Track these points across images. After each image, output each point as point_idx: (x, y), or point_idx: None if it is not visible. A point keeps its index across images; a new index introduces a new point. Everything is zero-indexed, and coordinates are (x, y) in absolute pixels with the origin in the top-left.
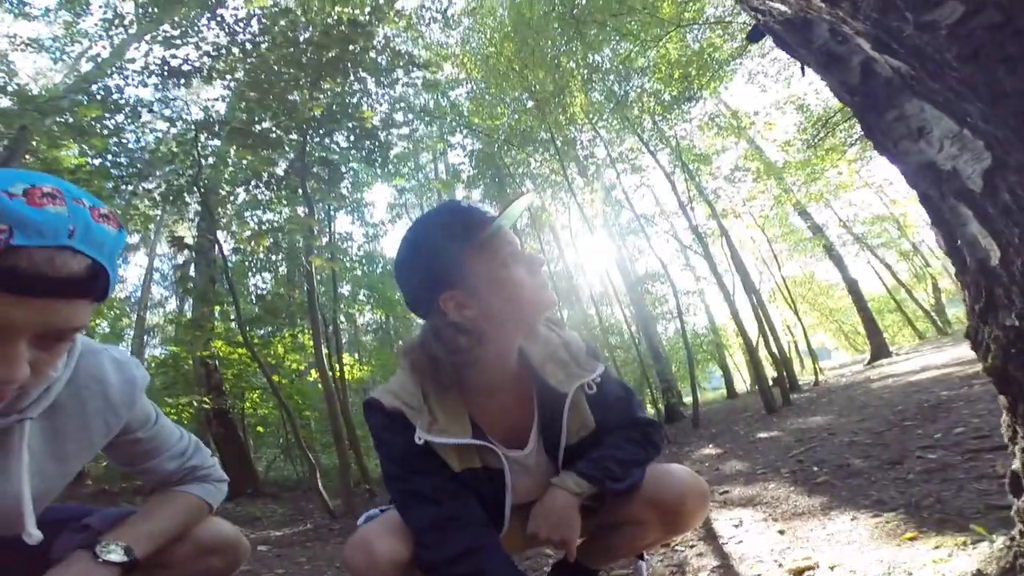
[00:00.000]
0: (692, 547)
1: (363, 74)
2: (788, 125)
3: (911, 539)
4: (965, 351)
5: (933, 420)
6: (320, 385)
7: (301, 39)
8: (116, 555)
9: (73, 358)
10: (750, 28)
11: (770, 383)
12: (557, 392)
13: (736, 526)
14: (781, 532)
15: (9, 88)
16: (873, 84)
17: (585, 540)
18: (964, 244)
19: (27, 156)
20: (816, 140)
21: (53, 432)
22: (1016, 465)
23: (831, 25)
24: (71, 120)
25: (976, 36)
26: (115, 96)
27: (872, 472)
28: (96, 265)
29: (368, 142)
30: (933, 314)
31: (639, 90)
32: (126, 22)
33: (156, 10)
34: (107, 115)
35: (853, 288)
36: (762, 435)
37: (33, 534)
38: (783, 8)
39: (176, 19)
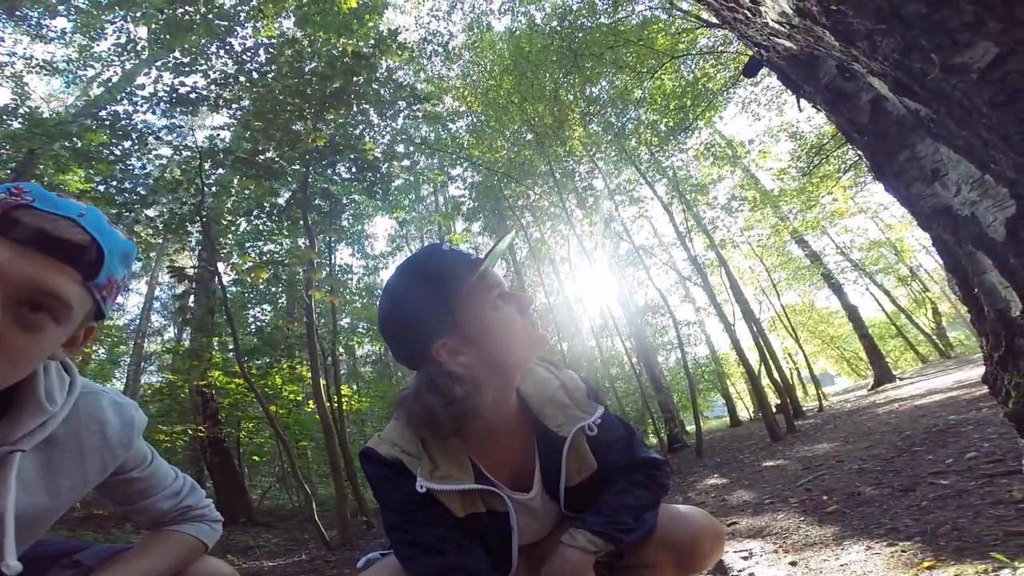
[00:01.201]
0: None
1: (366, 106)
2: (782, 153)
3: (929, 568)
4: (970, 374)
5: (943, 445)
6: (317, 416)
7: (306, 70)
8: None
9: (73, 396)
10: (746, 63)
11: (773, 410)
12: (556, 436)
13: (745, 559)
14: (793, 564)
15: (21, 110)
16: (884, 123)
17: None
18: (982, 292)
19: (33, 180)
20: (810, 167)
21: (48, 467)
22: None
23: (839, 62)
24: (79, 145)
25: (1011, 81)
26: (123, 122)
27: (884, 500)
28: (95, 244)
29: (370, 174)
30: (935, 338)
31: (636, 121)
32: (138, 47)
33: (167, 36)
34: (114, 141)
35: (853, 315)
36: (768, 463)
37: (12, 565)
38: (788, 44)
39: (186, 46)
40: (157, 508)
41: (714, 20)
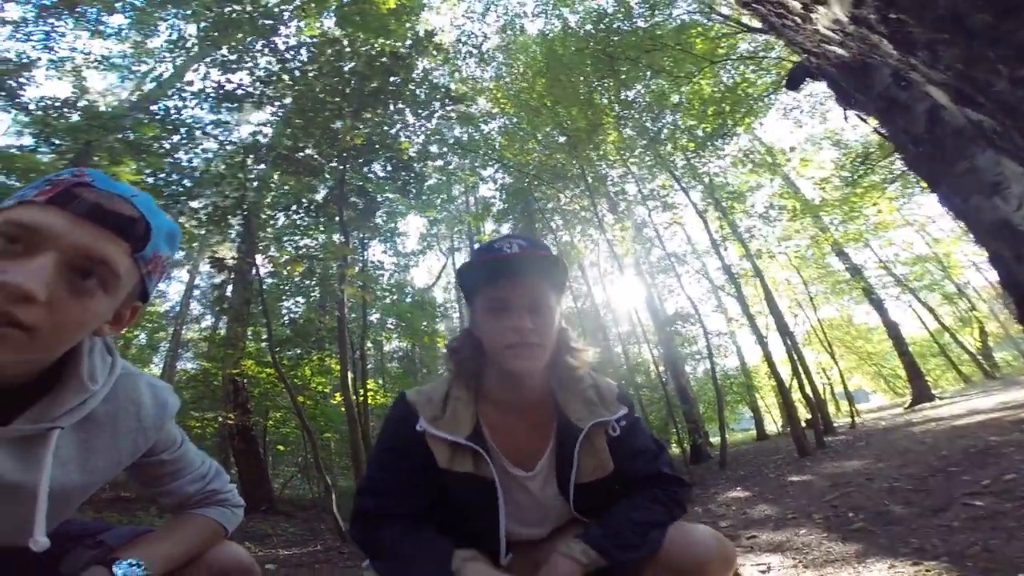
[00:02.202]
0: None
1: (402, 105)
2: (824, 161)
3: None
4: (1016, 395)
5: (981, 466)
6: (343, 408)
7: (346, 69)
8: (132, 572)
9: (113, 376)
10: (788, 75)
11: (803, 425)
12: (575, 427)
13: (763, 572)
14: None
15: (80, 103)
16: (941, 133)
17: None
18: None
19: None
20: (855, 177)
21: (84, 445)
22: None
23: (895, 70)
24: (132, 138)
25: None
26: (173, 116)
27: (913, 519)
28: (144, 220)
29: (404, 173)
30: (980, 358)
31: (672, 126)
32: (188, 44)
33: (216, 33)
34: (164, 135)
35: (894, 332)
36: (793, 479)
37: (39, 541)
38: (840, 52)
39: (233, 43)
40: (184, 491)
41: (757, 25)
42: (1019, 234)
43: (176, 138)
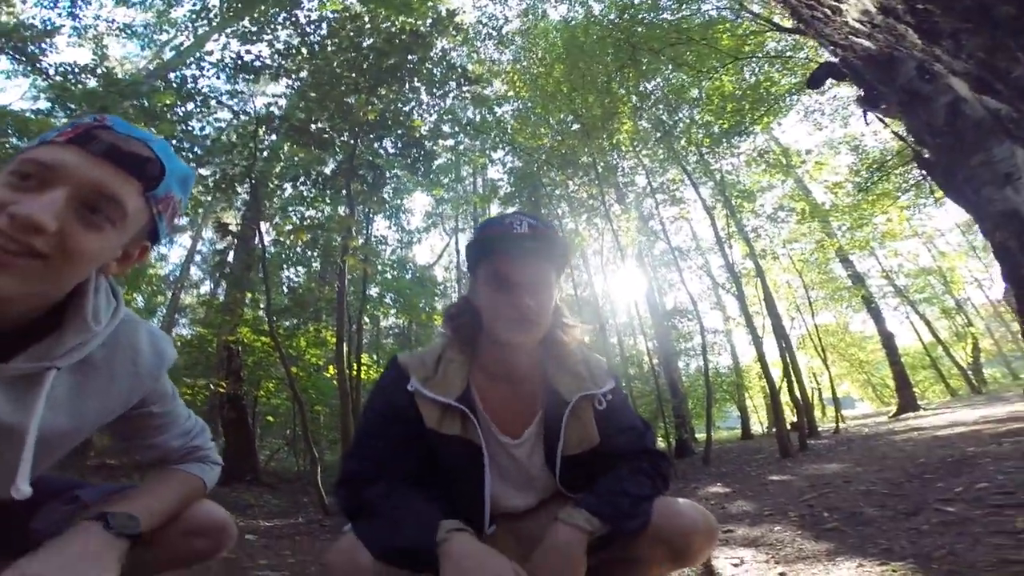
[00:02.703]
0: None
1: (418, 83)
2: (839, 166)
3: None
4: (998, 410)
5: (956, 474)
6: (335, 382)
7: (365, 45)
8: (128, 528)
9: (115, 320)
10: (811, 75)
11: (788, 427)
12: (562, 399)
13: (736, 565)
14: (782, 575)
15: (98, 71)
16: (961, 125)
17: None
18: None
19: None
20: (868, 183)
21: (77, 388)
22: None
23: (919, 63)
24: (147, 104)
25: None
26: (189, 85)
27: (885, 522)
28: (159, 161)
29: (414, 150)
30: (969, 372)
31: (688, 121)
32: (211, 14)
33: (238, 4)
34: (179, 103)
35: (888, 341)
36: (774, 478)
37: (23, 490)
38: (868, 44)
39: (255, 15)
40: (168, 446)
41: (787, 24)
42: None
43: (191, 106)
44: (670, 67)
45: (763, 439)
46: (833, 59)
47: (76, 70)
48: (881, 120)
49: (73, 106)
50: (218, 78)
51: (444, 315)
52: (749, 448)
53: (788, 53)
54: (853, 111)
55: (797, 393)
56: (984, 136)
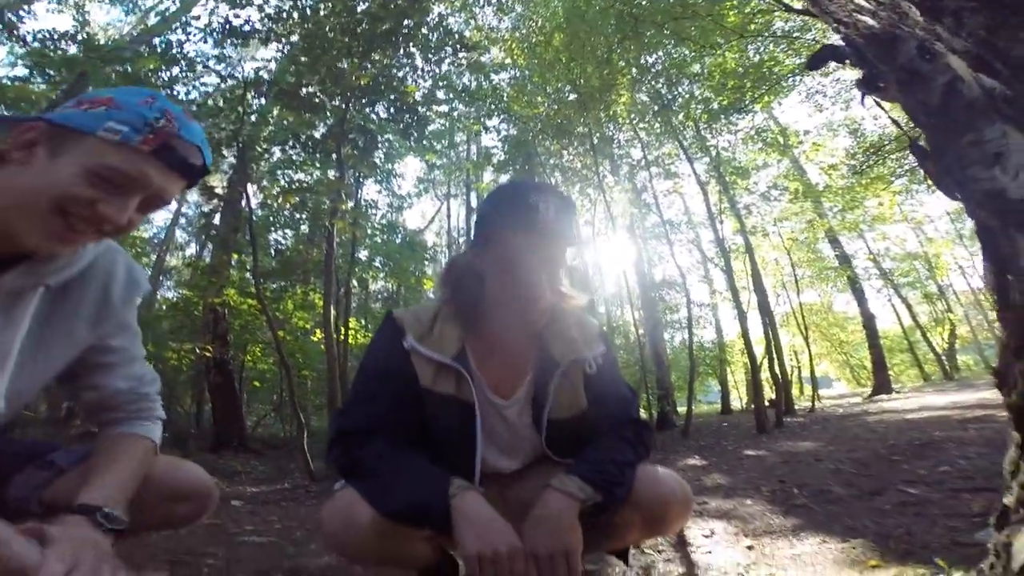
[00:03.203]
0: (661, 552)
1: (413, 49)
2: (837, 149)
3: (873, 567)
4: (967, 396)
5: (921, 457)
6: (323, 346)
7: (358, 9)
8: (117, 524)
9: (100, 246)
10: (811, 57)
11: (767, 404)
12: (554, 362)
13: (707, 537)
14: (750, 548)
15: (79, 37)
16: (954, 106)
17: None
18: (1014, 279)
19: None
20: (864, 167)
21: (49, 312)
22: (1009, 500)
23: (920, 42)
24: (129, 70)
25: None
26: (175, 51)
27: (851, 500)
28: (207, 164)
29: (407, 115)
30: (944, 358)
31: (687, 96)
32: None
33: None
34: (164, 67)
35: (869, 323)
36: (749, 453)
37: None
38: (871, 22)
39: None
40: (114, 386)
41: (796, 5)
42: (1011, 202)
43: (176, 70)
44: (672, 41)
45: (741, 415)
46: (837, 40)
47: (56, 37)
48: (878, 104)
49: (52, 72)
50: (205, 42)
51: (443, 277)
52: (728, 423)
53: (795, 34)
54: (855, 94)
55: (777, 370)
56: (976, 116)
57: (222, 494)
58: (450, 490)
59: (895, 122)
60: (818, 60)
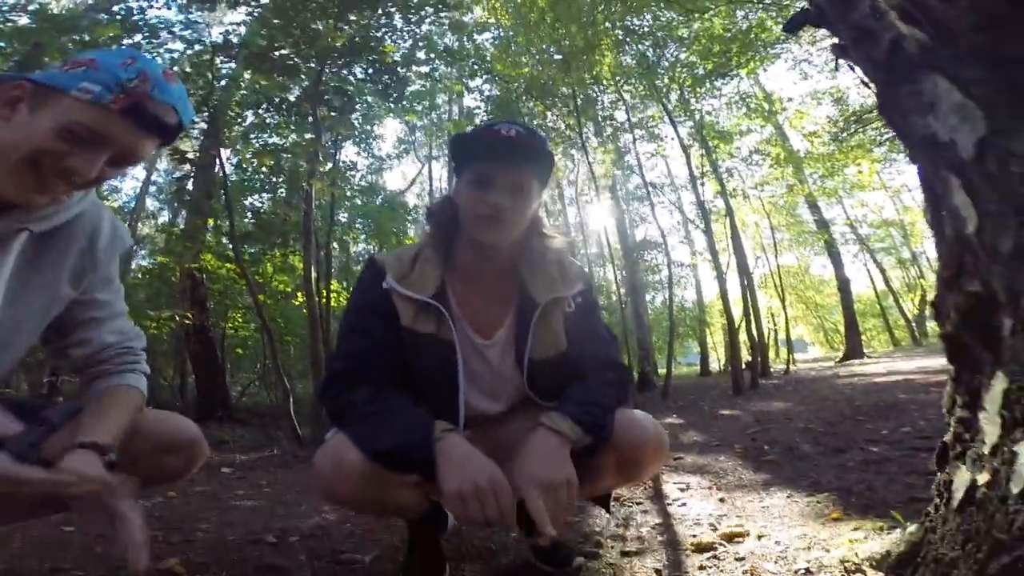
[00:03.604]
0: (639, 504)
1: (391, 8)
2: (820, 117)
3: (835, 519)
4: (933, 362)
5: (885, 418)
6: (305, 310)
7: None
8: (112, 455)
9: (87, 199)
10: (788, 19)
11: (743, 366)
12: (533, 300)
13: (682, 490)
14: (721, 500)
15: (30, 7)
16: (897, 59)
17: None
18: (948, 215)
19: (38, 71)
20: (845, 135)
21: (31, 259)
22: (947, 437)
23: (873, 1)
24: (88, 38)
25: (992, 6)
26: (136, 17)
27: (817, 457)
28: (182, 123)
29: (386, 76)
30: (914, 324)
31: (673, 59)
32: None
33: None
34: (125, 34)
35: (844, 287)
36: (724, 412)
37: None
38: None
39: None
40: (102, 340)
41: None
42: (940, 144)
43: (138, 37)
44: (661, 4)
45: (719, 376)
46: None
47: (3, 8)
48: (851, 67)
49: (3, 44)
50: (169, 8)
51: (425, 214)
52: (706, 384)
53: (786, 2)
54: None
55: (754, 331)
56: (914, 68)
57: (211, 463)
58: (434, 434)
59: (864, 83)
60: (795, 23)
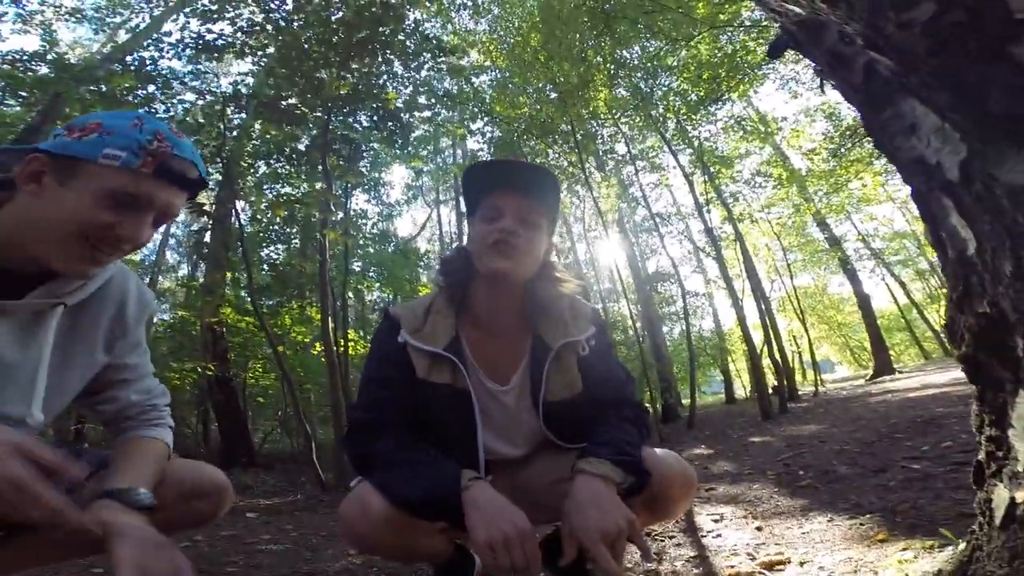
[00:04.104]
0: (672, 537)
1: (391, 56)
2: (816, 134)
3: (882, 541)
4: None
5: (924, 434)
6: (323, 359)
7: (333, 19)
8: (146, 499)
9: (114, 267)
10: (771, 44)
11: (770, 391)
12: (545, 345)
13: (716, 521)
14: (759, 529)
15: (49, 56)
16: (874, 83)
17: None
18: (947, 236)
19: (58, 123)
20: (843, 150)
21: (68, 330)
22: (981, 456)
23: (840, 27)
24: (104, 88)
25: (943, 32)
26: (148, 67)
27: (855, 478)
28: (201, 177)
29: (390, 123)
30: (942, 335)
31: (665, 88)
32: None
33: None
34: (139, 85)
35: (864, 303)
36: (754, 439)
37: (37, 416)
38: (797, 9)
39: None
40: (128, 399)
41: None
42: (929, 167)
43: (152, 88)
44: (646, 36)
45: (746, 403)
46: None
47: (25, 57)
48: (819, 72)
49: (24, 94)
50: (179, 59)
51: (439, 263)
52: (732, 412)
53: (764, 23)
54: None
55: (777, 356)
56: (892, 92)
57: (236, 507)
58: (462, 482)
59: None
60: (777, 48)
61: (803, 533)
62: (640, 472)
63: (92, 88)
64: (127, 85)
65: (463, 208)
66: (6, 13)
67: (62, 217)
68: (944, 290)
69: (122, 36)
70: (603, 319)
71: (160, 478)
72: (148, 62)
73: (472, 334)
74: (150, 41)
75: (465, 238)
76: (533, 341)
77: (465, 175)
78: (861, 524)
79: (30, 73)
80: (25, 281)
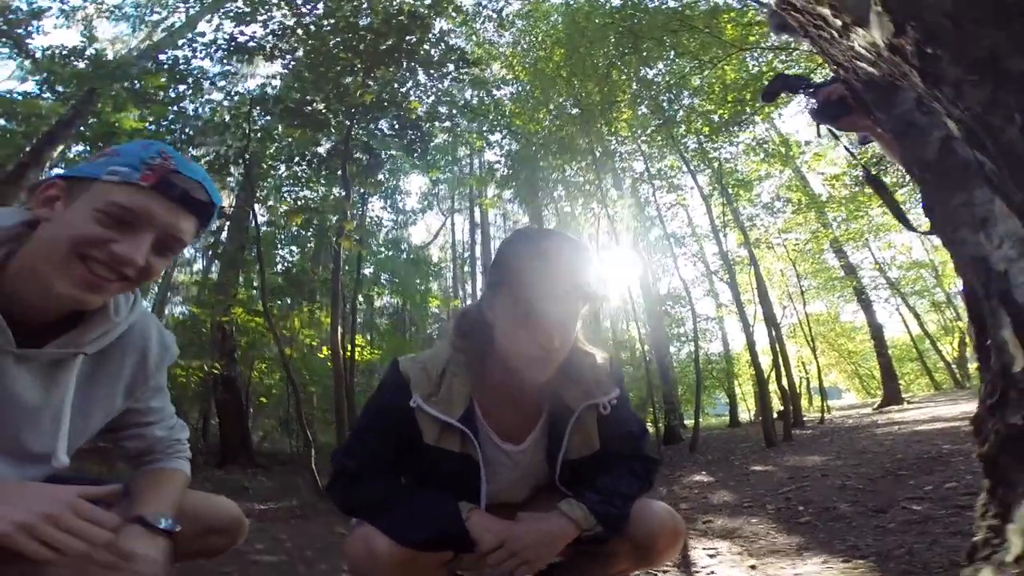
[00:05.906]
0: (666, 572)
1: (415, 65)
2: (839, 158)
3: None
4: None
5: (929, 472)
6: (330, 363)
7: (361, 25)
8: (167, 523)
9: (134, 313)
10: (765, 88)
11: (775, 417)
12: (567, 407)
13: (711, 556)
14: (752, 567)
15: (87, 52)
16: (949, 163)
17: (554, 564)
18: (994, 345)
19: (91, 118)
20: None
21: (90, 375)
22: (979, 537)
23: (919, 96)
24: (137, 87)
25: None
26: (181, 67)
27: (855, 517)
28: (212, 201)
29: (411, 131)
30: (954, 366)
31: (688, 109)
32: None
33: None
34: (171, 85)
35: (877, 333)
36: (756, 468)
37: (63, 460)
38: (870, 70)
39: None
40: (154, 435)
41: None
42: (993, 272)
43: (183, 88)
44: (672, 55)
45: (750, 427)
46: (794, 69)
47: (64, 52)
48: (832, 133)
49: (61, 88)
50: (210, 59)
51: (455, 326)
52: (736, 436)
53: (792, 45)
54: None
55: (785, 382)
56: (969, 178)
57: None
58: (463, 513)
59: (848, 151)
60: (771, 92)
61: (796, 575)
62: (614, 527)
63: (126, 85)
64: (159, 85)
65: (477, 219)
66: (50, 8)
67: (60, 234)
68: (959, 323)
69: (158, 35)
70: (621, 373)
71: (178, 507)
72: (181, 61)
73: (487, 400)
74: (184, 40)
75: (479, 271)
76: (552, 400)
77: (498, 252)
78: (855, 568)
79: (68, 68)
80: (48, 327)
